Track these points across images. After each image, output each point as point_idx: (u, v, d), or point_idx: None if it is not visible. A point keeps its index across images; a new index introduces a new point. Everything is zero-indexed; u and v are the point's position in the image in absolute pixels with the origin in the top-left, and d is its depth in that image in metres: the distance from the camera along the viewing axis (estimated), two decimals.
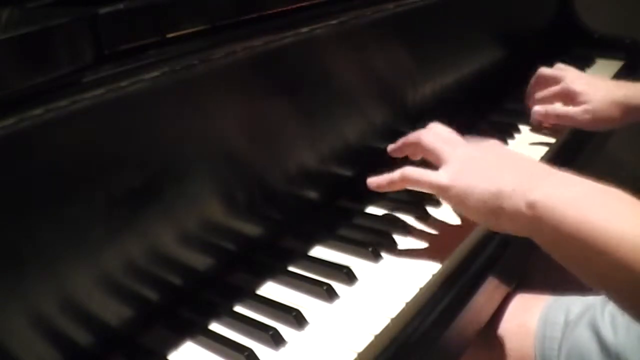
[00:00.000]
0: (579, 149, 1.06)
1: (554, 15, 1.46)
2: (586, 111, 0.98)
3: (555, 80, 1.05)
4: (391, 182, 0.74)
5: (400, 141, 0.80)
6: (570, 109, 1.00)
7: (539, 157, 0.98)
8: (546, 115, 1.03)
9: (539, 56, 1.35)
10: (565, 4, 1.46)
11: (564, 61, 1.16)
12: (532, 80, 1.09)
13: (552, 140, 1.03)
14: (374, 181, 0.76)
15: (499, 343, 0.84)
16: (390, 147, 0.82)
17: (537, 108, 1.04)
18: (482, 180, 0.65)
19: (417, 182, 0.72)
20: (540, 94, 1.06)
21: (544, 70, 1.08)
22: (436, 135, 0.75)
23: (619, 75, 1.31)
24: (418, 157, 0.78)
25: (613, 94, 0.98)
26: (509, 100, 1.19)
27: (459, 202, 0.68)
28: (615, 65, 1.37)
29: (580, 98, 0.99)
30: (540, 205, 0.60)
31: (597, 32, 1.46)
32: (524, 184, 0.62)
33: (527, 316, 0.84)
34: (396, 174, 0.73)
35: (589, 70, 1.35)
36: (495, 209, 0.64)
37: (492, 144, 0.73)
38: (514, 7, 1.29)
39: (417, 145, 0.76)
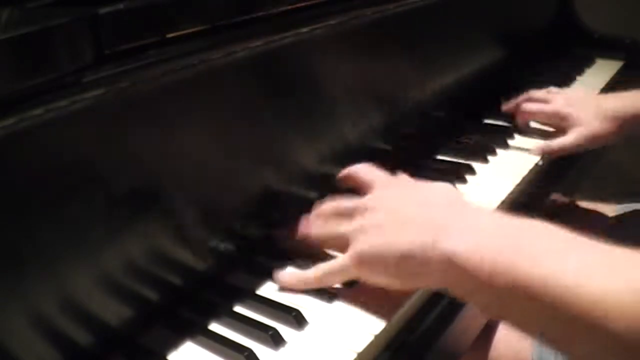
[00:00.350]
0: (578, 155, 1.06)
1: (554, 15, 1.46)
2: (582, 137, 0.97)
3: (544, 102, 1.05)
4: (305, 283, 0.67)
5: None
6: (565, 140, 0.98)
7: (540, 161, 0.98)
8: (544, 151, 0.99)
9: (539, 56, 1.35)
10: (565, 4, 1.46)
11: (564, 61, 1.16)
12: (521, 98, 1.09)
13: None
14: (282, 280, 0.68)
15: (495, 348, 0.84)
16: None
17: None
18: (385, 245, 0.59)
19: (325, 280, 0.66)
20: (529, 108, 1.06)
21: (534, 93, 1.08)
22: (331, 215, 0.69)
23: (619, 76, 1.31)
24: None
25: (603, 111, 0.98)
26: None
27: (370, 274, 0.62)
28: (615, 65, 1.37)
29: (570, 121, 0.99)
30: (456, 255, 0.53)
31: (597, 32, 1.46)
32: (432, 236, 0.55)
33: (520, 344, 0.83)
34: (310, 273, 0.67)
35: (589, 71, 1.35)
36: (408, 271, 0.58)
37: (393, 193, 0.66)
38: (514, 7, 1.29)
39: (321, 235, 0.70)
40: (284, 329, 0.62)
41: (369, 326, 0.62)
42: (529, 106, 1.06)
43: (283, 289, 0.68)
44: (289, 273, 0.68)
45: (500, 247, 0.50)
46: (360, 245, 0.61)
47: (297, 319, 0.63)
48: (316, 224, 0.70)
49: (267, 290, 0.69)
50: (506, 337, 0.84)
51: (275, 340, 0.61)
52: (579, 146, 0.98)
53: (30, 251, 0.52)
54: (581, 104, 1.01)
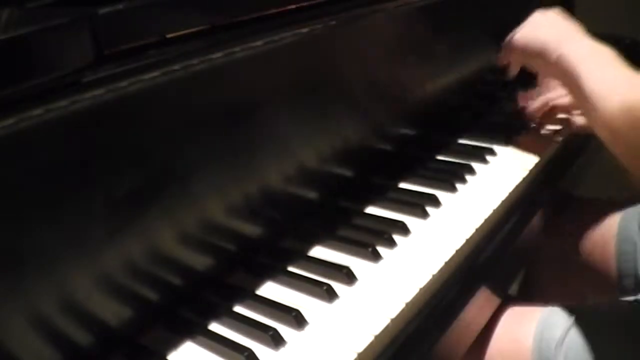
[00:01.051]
0: (577, 154, 1.06)
1: None
2: None
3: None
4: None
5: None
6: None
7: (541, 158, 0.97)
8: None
9: None
10: (565, 4, 1.46)
11: None
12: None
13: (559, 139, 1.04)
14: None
15: (491, 355, 0.84)
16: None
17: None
18: (533, 39, 0.94)
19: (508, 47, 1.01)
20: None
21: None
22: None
23: None
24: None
25: None
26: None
27: (521, 50, 0.97)
28: None
29: None
30: (561, 58, 0.87)
31: (596, 32, 1.46)
32: (556, 43, 0.89)
33: (520, 330, 0.83)
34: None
35: None
36: (541, 57, 0.91)
37: (538, 13, 1.00)
38: (514, 7, 1.28)
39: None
40: (284, 329, 0.62)
41: (369, 326, 0.62)
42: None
43: None
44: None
45: (581, 58, 0.85)
46: (521, 33, 0.98)
47: (297, 319, 0.63)
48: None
49: (267, 290, 0.69)
50: (505, 336, 0.84)
51: (275, 340, 0.61)
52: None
53: (30, 251, 0.52)
54: None
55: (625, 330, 0.79)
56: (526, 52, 0.96)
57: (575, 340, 0.77)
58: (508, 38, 1.01)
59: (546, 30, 0.95)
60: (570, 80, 0.85)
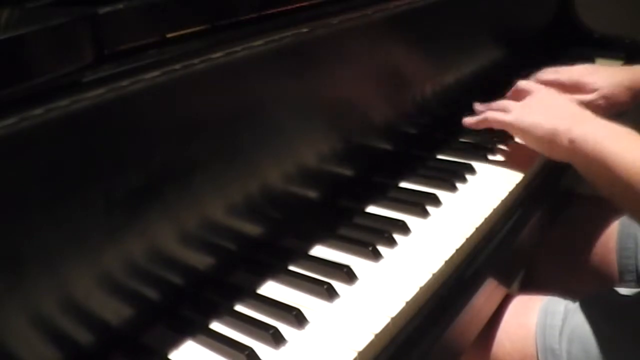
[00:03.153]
0: None
1: (553, 15, 1.46)
2: (601, 97, 1.02)
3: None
4: (478, 123, 0.97)
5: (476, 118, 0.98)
6: (586, 96, 1.02)
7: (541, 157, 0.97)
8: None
9: (539, 56, 1.35)
10: (565, 4, 1.47)
11: (564, 61, 1.15)
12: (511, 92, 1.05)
13: None
14: (468, 120, 0.98)
15: (498, 345, 0.85)
16: (469, 121, 0.99)
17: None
18: (539, 120, 0.88)
19: (493, 122, 0.94)
20: (545, 78, 1.06)
21: (545, 70, 1.08)
22: (503, 106, 0.96)
23: None
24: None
25: (620, 79, 1.03)
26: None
27: (522, 135, 0.91)
28: (615, 65, 1.36)
29: (590, 87, 1.02)
30: (577, 141, 0.81)
31: (597, 32, 1.46)
32: (567, 125, 0.83)
33: (526, 316, 0.84)
34: (481, 116, 0.96)
35: None
36: (547, 141, 0.86)
37: (546, 93, 0.95)
38: (513, 7, 1.29)
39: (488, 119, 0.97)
40: (284, 328, 0.62)
41: (369, 325, 0.62)
42: (545, 76, 1.06)
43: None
44: (470, 118, 0.99)
45: (601, 139, 0.79)
46: (522, 113, 0.92)
47: (297, 318, 0.63)
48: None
49: (268, 289, 0.69)
50: (509, 335, 0.84)
51: (276, 339, 0.61)
52: (597, 106, 1.00)
53: (30, 251, 0.52)
54: (599, 73, 1.05)
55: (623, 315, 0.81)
56: (529, 135, 0.89)
57: (577, 325, 0.78)
58: (496, 113, 0.95)
59: (554, 112, 0.89)
60: (592, 163, 0.79)
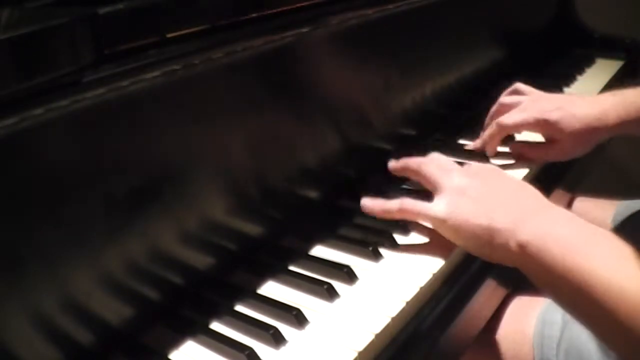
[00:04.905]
0: None
1: (554, 15, 1.46)
2: (560, 148, 0.90)
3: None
4: (387, 212, 0.74)
5: (402, 162, 0.80)
6: (542, 146, 0.92)
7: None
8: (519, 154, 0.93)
9: (539, 56, 1.35)
10: (565, 4, 1.47)
11: (564, 61, 1.16)
12: (494, 109, 0.98)
13: None
14: (368, 205, 0.76)
15: (497, 347, 0.84)
16: (391, 165, 0.82)
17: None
18: (475, 215, 0.66)
19: (413, 214, 0.73)
20: (505, 123, 0.92)
21: (503, 100, 0.97)
22: (436, 165, 0.75)
23: (619, 75, 1.31)
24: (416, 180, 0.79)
25: (587, 118, 0.88)
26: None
27: (453, 234, 0.69)
28: (615, 65, 1.37)
29: (556, 126, 0.88)
30: (529, 246, 0.61)
31: (597, 32, 1.46)
32: (515, 222, 0.63)
33: (524, 320, 0.84)
34: (394, 204, 0.74)
35: (589, 70, 1.35)
36: (487, 243, 0.66)
37: (490, 171, 0.73)
38: (514, 7, 1.29)
39: (417, 172, 0.77)
40: (284, 328, 0.62)
41: (369, 325, 0.62)
42: (507, 120, 0.91)
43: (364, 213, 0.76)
44: (373, 199, 0.75)
45: (566, 246, 0.59)
46: (456, 199, 0.69)
47: (297, 318, 0.63)
48: (428, 163, 0.76)
49: (268, 289, 0.69)
50: (507, 338, 0.84)
51: (276, 339, 0.61)
52: (557, 157, 0.92)
53: (31, 251, 0.52)
54: (566, 108, 0.89)
55: None
56: (461, 233, 0.68)
57: (574, 337, 0.77)
58: (416, 203, 0.72)
59: (496, 202, 0.67)
60: (550, 275, 0.60)
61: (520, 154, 0.93)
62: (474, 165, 0.76)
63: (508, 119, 0.91)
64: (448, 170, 0.74)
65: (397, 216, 0.74)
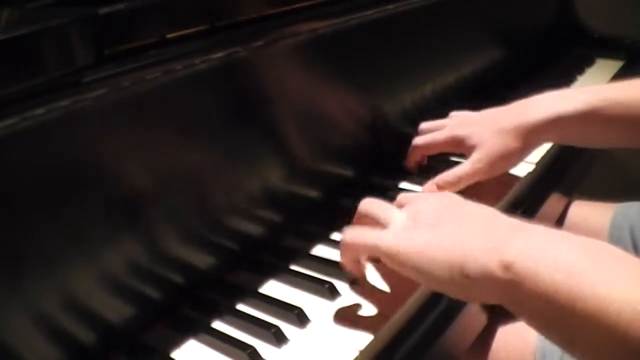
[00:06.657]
0: (579, 153, 1.06)
1: (554, 15, 1.46)
2: (478, 159, 0.81)
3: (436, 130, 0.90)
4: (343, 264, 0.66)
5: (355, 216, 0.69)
6: (461, 168, 0.81)
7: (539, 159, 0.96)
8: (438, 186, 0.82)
9: (539, 56, 1.35)
10: (565, 4, 1.47)
11: (564, 61, 1.16)
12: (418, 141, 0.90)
13: None
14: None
15: (495, 352, 0.83)
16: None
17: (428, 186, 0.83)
18: (439, 240, 0.55)
19: (357, 247, 0.63)
20: (418, 143, 0.89)
21: (423, 125, 0.92)
22: (380, 203, 0.66)
23: (619, 76, 1.31)
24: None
25: (499, 127, 0.81)
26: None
27: (414, 271, 0.56)
28: (615, 65, 1.37)
29: (469, 143, 0.82)
30: (518, 266, 0.49)
31: (597, 32, 1.46)
32: (495, 241, 0.52)
33: (525, 329, 0.81)
34: (348, 237, 0.63)
35: (589, 70, 1.35)
36: (459, 273, 0.53)
37: (447, 198, 0.63)
38: (514, 7, 1.29)
39: (365, 214, 0.66)
40: (286, 327, 0.62)
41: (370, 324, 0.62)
42: (418, 141, 0.89)
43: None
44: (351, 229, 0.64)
45: (565, 267, 0.48)
46: (403, 239, 0.57)
47: (299, 317, 0.63)
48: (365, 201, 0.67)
49: (270, 288, 0.69)
50: (508, 337, 0.84)
51: (277, 338, 0.61)
52: (481, 170, 0.81)
53: (31, 250, 0.52)
54: (480, 122, 0.84)
55: None
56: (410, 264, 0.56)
57: None
58: (364, 232, 0.62)
59: (458, 226, 0.56)
60: (547, 301, 0.48)
61: (439, 187, 0.81)
62: (429, 194, 0.71)
63: (420, 139, 0.89)
64: (398, 203, 0.65)
65: (344, 260, 0.65)
